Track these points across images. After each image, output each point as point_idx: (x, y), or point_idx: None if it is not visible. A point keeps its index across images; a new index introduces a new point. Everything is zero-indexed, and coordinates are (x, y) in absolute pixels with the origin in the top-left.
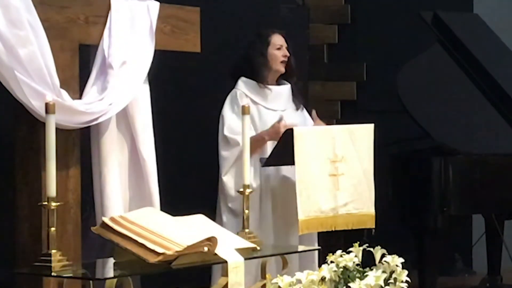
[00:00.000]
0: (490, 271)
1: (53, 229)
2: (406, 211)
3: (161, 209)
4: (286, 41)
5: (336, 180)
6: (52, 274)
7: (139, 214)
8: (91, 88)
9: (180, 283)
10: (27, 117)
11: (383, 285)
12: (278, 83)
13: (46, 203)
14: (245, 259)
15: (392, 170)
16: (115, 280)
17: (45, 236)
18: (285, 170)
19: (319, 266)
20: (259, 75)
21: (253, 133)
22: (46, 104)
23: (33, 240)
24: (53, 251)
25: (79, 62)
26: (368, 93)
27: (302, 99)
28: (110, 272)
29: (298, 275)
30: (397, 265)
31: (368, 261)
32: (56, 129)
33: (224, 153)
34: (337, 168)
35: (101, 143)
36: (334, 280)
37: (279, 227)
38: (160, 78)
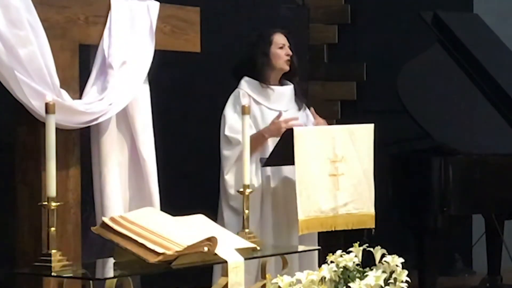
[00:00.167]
0: (490, 271)
1: (53, 229)
2: (406, 211)
3: (161, 209)
4: (288, 40)
5: (336, 180)
6: (52, 274)
7: (139, 214)
8: (91, 88)
9: (180, 283)
10: (27, 117)
11: (383, 285)
12: (280, 83)
13: (46, 203)
14: (245, 259)
15: (392, 170)
16: (115, 280)
17: (45, 236)
18: (286, 170)
19: (319, 266)
20: (262, 74)
21: (254, 132)
22: (46, 104)
23: (33, 240)
24: (53, 251)
25: (79, 62)
26: (368, 93)
27: (304, 99)
28: (110, 272)
29: (298, 275)
30: (397, 265)
31: (368, 261)
32: (56, 129)
33: (225, 152)
34: (337, 168)
35: (101, 143)
36: (334, 280)
37: (280, 227)
38: (160, 78)
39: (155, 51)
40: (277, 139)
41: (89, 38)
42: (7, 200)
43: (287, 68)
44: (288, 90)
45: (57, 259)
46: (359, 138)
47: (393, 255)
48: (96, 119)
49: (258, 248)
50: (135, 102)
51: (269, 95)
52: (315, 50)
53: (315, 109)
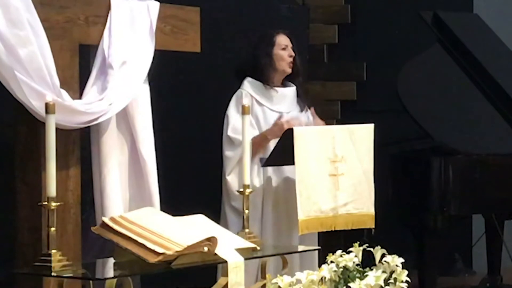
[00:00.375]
0: (490, 271)
1: (53, 229)
2: (406, 211)
3: (161, 209)
4: (291, 41)
5: (336, 180)
6: (52, 274)
7: (139, 214)
8: (91, 88)
9: (180, 283)
10: (27, 117)
11: (383, 285)
12: (283, 84)
13: (46, 203)
14: (245, 259)
15: (392, 170)
16: (115, 280)
17: (45, 236)
18: (287, 170)
19: (319, 266)
20: (265, 75)
21: (257, 133)
22: (46, 104)
23: (33, 240)
24: (53, 251)
25: (79, 62)
26: (368, 93)
27: (307, 100)
28: (110, 272)
29: (298, 275)
30: (397, 265)
31: (368, 261)
32: (56, 129)
33: (228, 153)
34: (337, 168)
35: (101, 143)
36: (334, 280)
37: (281, 227)
38: (160, 78)
39: (155, 51)
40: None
41: (89, 38)
42: (7, 200)
43: (289, 70)
44: (290, 91)
45: (57, 259)
46: (359, 138)
47: (393, 255)
48: (96, 119)
49: (258, 248)
50: (135, 102)
51: (272, 96)
52: (315, 50)
53: (315, 110)
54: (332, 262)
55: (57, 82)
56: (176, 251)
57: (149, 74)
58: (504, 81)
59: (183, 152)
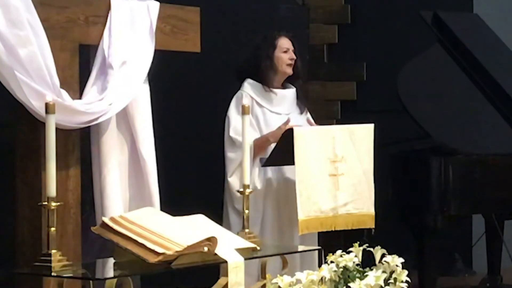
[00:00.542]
0: (490, 271)
1: (53, 229)
2: (406, 211)
3: (161, 209)
4: (293, 43)
5: (336, 180)
6: (52, 274)
7: (139, 214)
8: (91, 88)
9: (180, 283)
10: (27, 117)
11: (383, 285)
12: (283, 86)
13: (46, 203)
14: (245, 259)
15: (392, 170)
16: (115, 280)
17: (45, 236)
18: (288, 171)
19: (319, 266)
20: (265, 78)
21: (257, 135)
22: (46, 104)
23: (33, 240)
24: (53, 251)
25: (79, 62)
26: (368, 93)
27: (306, 102)
28: (110, 272)
29: (298, 275)
30: (397, 265)
31: (368, 261)
32: (56, 129)
33: (230, 154)
34: (337, 168)
35: (101, 143)
36: (334, 280)
37: (282, 228)
38: (160, 78)
39: (155, 51)
40: None
41: (89, 38)
42: (7, 200)
43: (290, 72)
44: (290, 93)
45: (57, 259)
46: (359, 138)
47: (393, 255)
48: (96, 119)
49: (258, 248)
50: (135, 102)
51: (272, 98)
52: (315, 50)
53: (315, 110)
54: (332, 262)
55: (57, 82)
56: (176, 251)
57: (149, 74)
58: (504, 81)
59: (183, 152)
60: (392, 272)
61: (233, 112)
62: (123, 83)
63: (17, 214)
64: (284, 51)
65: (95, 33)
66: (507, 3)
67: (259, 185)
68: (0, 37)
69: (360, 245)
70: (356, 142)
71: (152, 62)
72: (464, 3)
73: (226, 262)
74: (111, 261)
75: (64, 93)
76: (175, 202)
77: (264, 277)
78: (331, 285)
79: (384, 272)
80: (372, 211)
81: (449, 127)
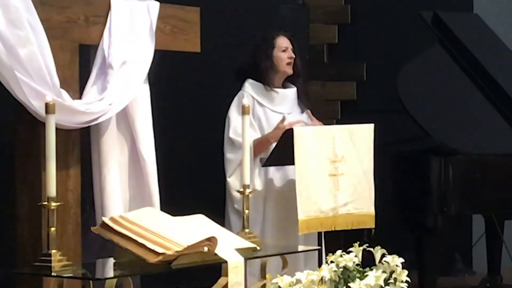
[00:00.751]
0: (490, 271)
1: (53, 229)
2: (406, 211)
3: (161, 209)
4: (292, 43)
5: (336, 180)
6: (52, 274)
7: (139, 214)
8: (91, 88)
9: (180, 283)
10: (27, 117)
11: (383, 285)
12: (284, 85)
13: (46, 203)
14: (245, 259)
15: (392, 170)
16: (115, 280)
17: (45, 236)
18: (289, 171)
19: (319, 266)
20: (265, 77)
21: (259, 135)
22: (46, 104)
23: (33, 240)
24: (53, 251)
25: (79, 62)
26: (368, 93)
27: (307, 102)
28: (110, 272)
29: (298, 275)
30: (397, 265)
31: (368, 261)
32: (56, 129)
33: (229, 155)
34: (337, 168)
35: (101, 143)
36: (334, 280)
37: (283, 228)
38: (160, 78)
39: (155, 51)
40: None
41: (89, 38)
42: (7, 200)
43: (290, 71)
44: (291, 92)
45: (57, 259)
46: (359, 138)
47: (393, 255)
48: (96, 119)
49: (258, 248)
50: (135, 102)
51: (273, 98)
52: (315, 50)
53: (315, 110)
54: (332, 262)
55: (57, 82)
56: (176, 251)
57: (149, 74)
58: (504, 81)
59: (183, 152)
60: (392, 272)
61: (233, 112)
62: (123, 83)
63: (17, 214)
64: (283, 50)
65: (95, 33)
66: (507, 3)
67: (259, 186)
68: (0, 37)
69: (360, 245)
70: (356, 142)
71: (152, 62)
72: (464, 3)
73: (226, 262)
74: (111, 261)
75: (64, 93)
76: (175, 202)
77: (264, 277)
78: (331, 285)
79: (384, 272)
80: (372, 211)
81: (449, 127)
